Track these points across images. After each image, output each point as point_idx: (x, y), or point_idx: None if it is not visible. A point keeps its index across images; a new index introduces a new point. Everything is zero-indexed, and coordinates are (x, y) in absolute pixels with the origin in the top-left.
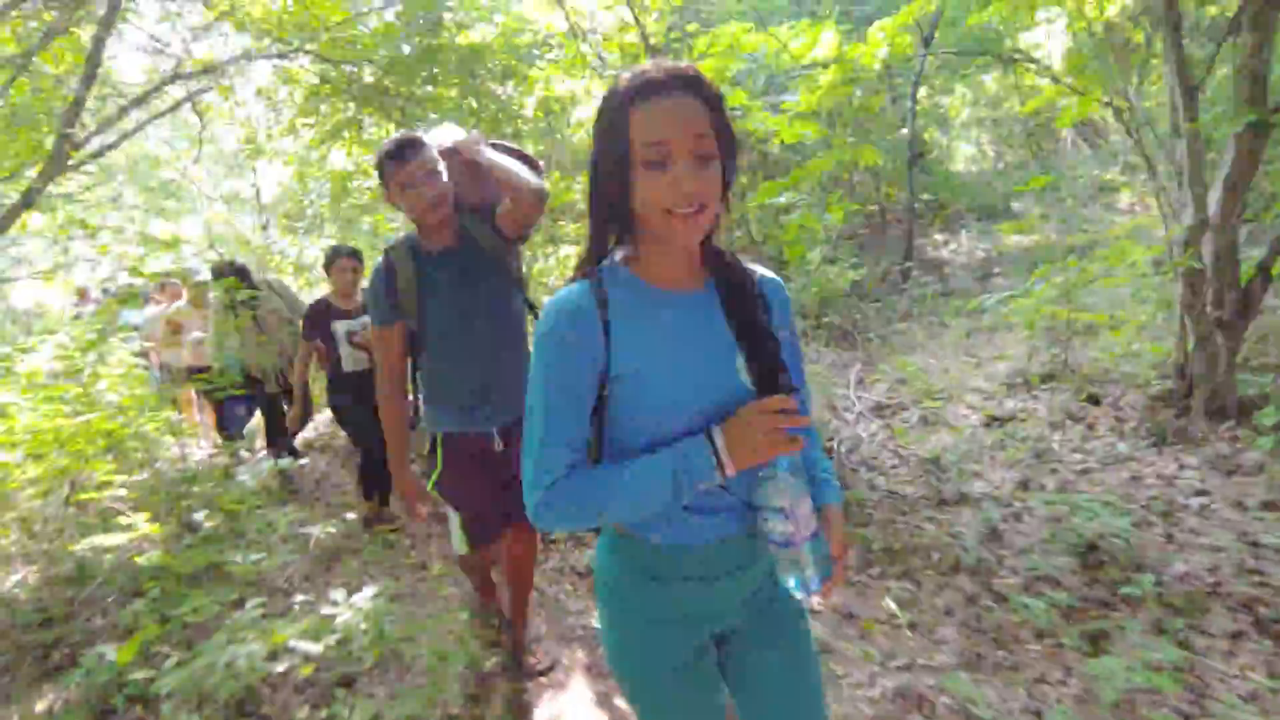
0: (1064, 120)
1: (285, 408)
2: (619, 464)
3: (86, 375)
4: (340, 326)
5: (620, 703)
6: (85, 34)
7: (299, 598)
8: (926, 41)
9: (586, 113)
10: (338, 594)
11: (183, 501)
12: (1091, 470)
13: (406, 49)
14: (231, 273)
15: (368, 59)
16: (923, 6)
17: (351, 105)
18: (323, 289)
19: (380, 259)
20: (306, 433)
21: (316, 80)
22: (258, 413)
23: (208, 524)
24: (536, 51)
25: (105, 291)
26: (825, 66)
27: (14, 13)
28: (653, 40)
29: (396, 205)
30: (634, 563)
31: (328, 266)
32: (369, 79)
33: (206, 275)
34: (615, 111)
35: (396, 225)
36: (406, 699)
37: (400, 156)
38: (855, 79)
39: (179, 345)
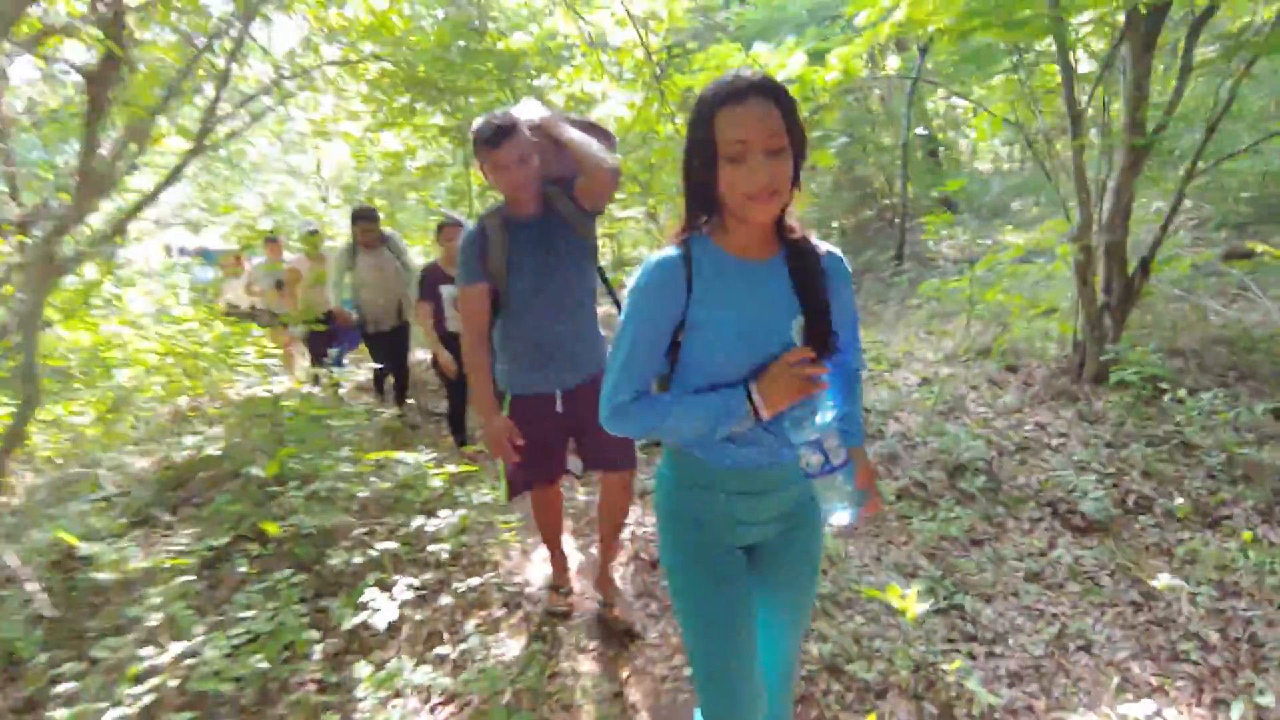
0: (981, 135)
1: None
2: (676, 397)
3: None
4: (446, 290)
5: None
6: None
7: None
8: (923, 51)
9: (603, 112)
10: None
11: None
12: (988, 419)
13: (456, 50)
14: (364, 215)
15: (422, 59)
16: (874, 38)
17: (407, 96)
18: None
19: (474, 224)
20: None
21: (377, 73)
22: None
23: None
24: (566, 54)
25: (181, 250)
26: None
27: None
28: (655, 56)
29: (489, 181)
30: (686, 474)
31: (438, 235)
32: (422, 74)
33: (317, 228)
34: (704, 114)
35: (440, 201)
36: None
37: (494, 143)
38: (810, 98)
39: (287, 295)
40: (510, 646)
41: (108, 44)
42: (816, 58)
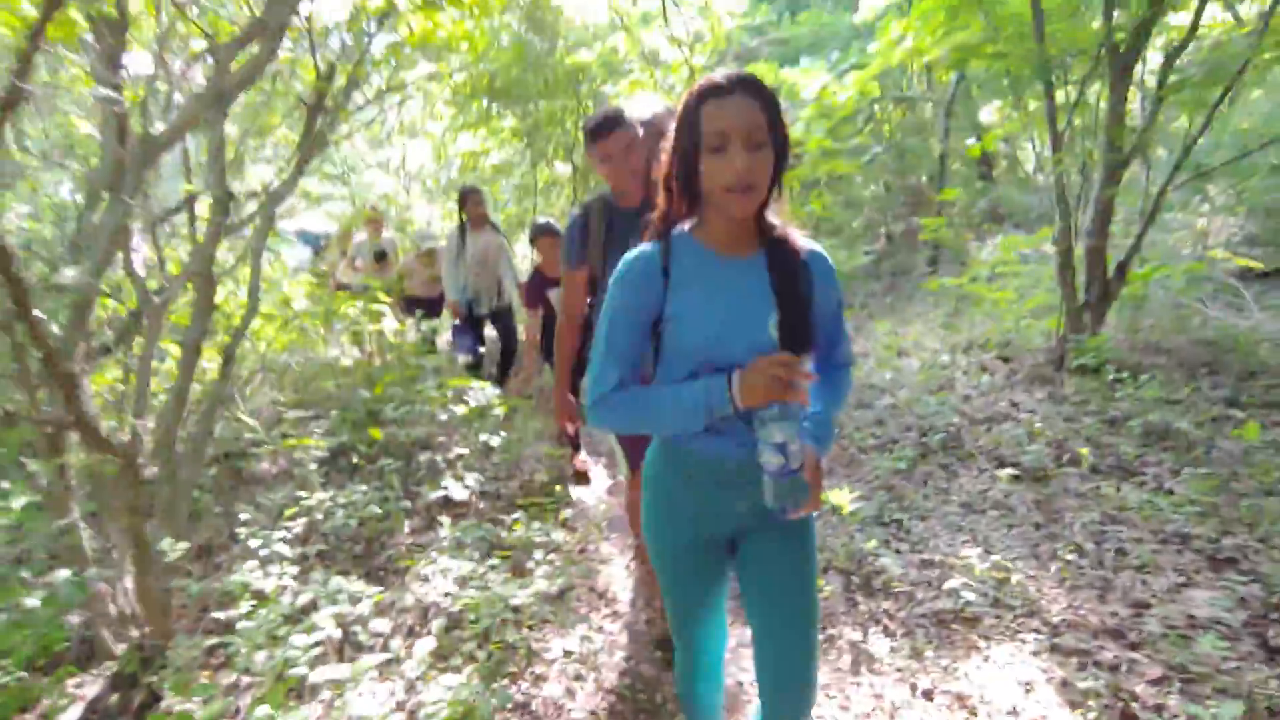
0: (974, 151)
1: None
2: (657, 388)
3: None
4: (554, 294)
5: None
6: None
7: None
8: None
9: None
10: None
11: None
12: (969, 396)
13: (529, 63)
14: (473, 190)
15: (500, 71)
16: (884, 63)
17: (484, 101)
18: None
19: (578, 211)
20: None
21: (459, 81)
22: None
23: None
24: (628, 66)
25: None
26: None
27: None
28: (697, 73)
29: (595, 169)
30: (672, 463)
31: (533, 241)
32: (499, 84)
33: (436, 245)
34: (690, 109)
35: (506, 195)
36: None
37: (601, 134)
38: (827, 115)
39: (388, 268)
40: (549, 527)
41: (319, 85)
42: (863, 69)
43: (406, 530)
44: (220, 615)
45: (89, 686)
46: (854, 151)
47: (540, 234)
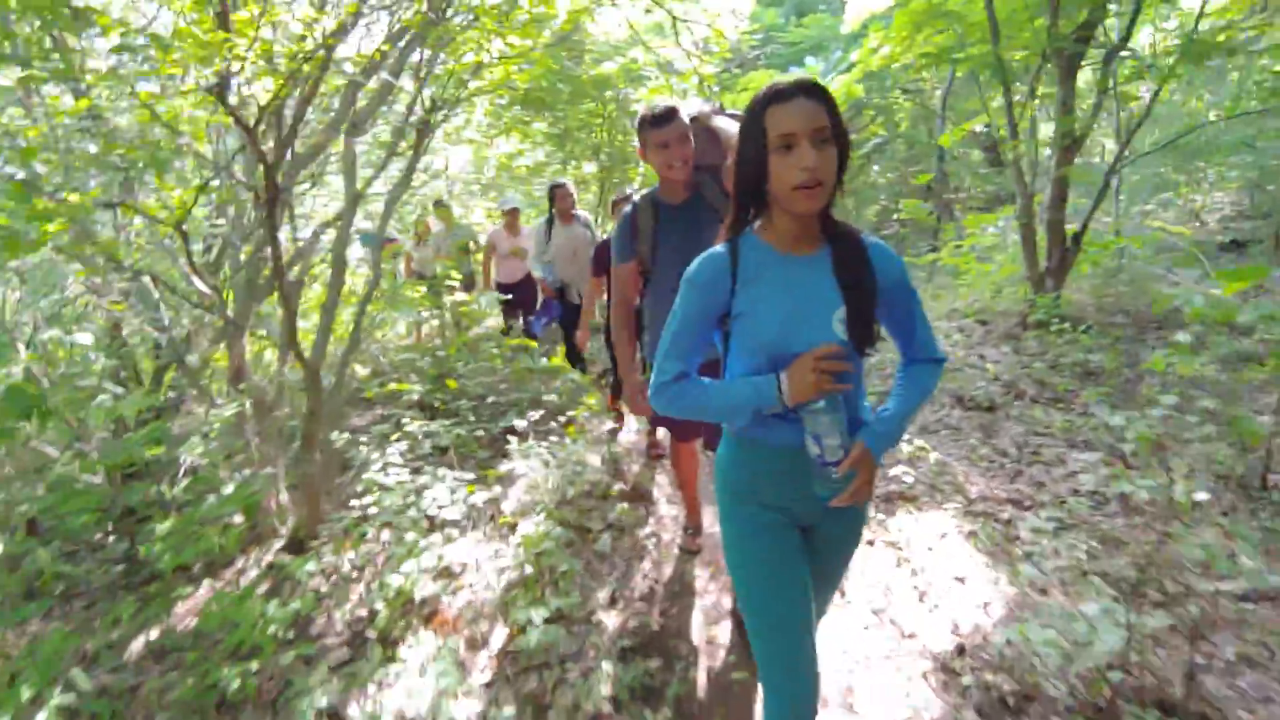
0: (944, 140)
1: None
2: (716, 383)
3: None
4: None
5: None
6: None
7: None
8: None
9: None
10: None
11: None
12: (945, 351)
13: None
14: (561, 185)
15: (532, 81)
16: (865, 68)
17: (517, 108)
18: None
19: (629, 207)
20: None
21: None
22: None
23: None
24: (647, 73)
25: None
26: None
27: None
28: (706, 81)
29: (648, 161)
30: (739, 452)
31: (614, 208)
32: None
33: (517, 204)
34: (755, 112)
35: (540, 194)
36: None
37: (658, 123)
38: None
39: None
40: (591, 450)
41: (428, 115)
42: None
43: (482, 452)
44: (355, 503)
45: (266, 554)
46: (859, 144)
47: (620, 202)
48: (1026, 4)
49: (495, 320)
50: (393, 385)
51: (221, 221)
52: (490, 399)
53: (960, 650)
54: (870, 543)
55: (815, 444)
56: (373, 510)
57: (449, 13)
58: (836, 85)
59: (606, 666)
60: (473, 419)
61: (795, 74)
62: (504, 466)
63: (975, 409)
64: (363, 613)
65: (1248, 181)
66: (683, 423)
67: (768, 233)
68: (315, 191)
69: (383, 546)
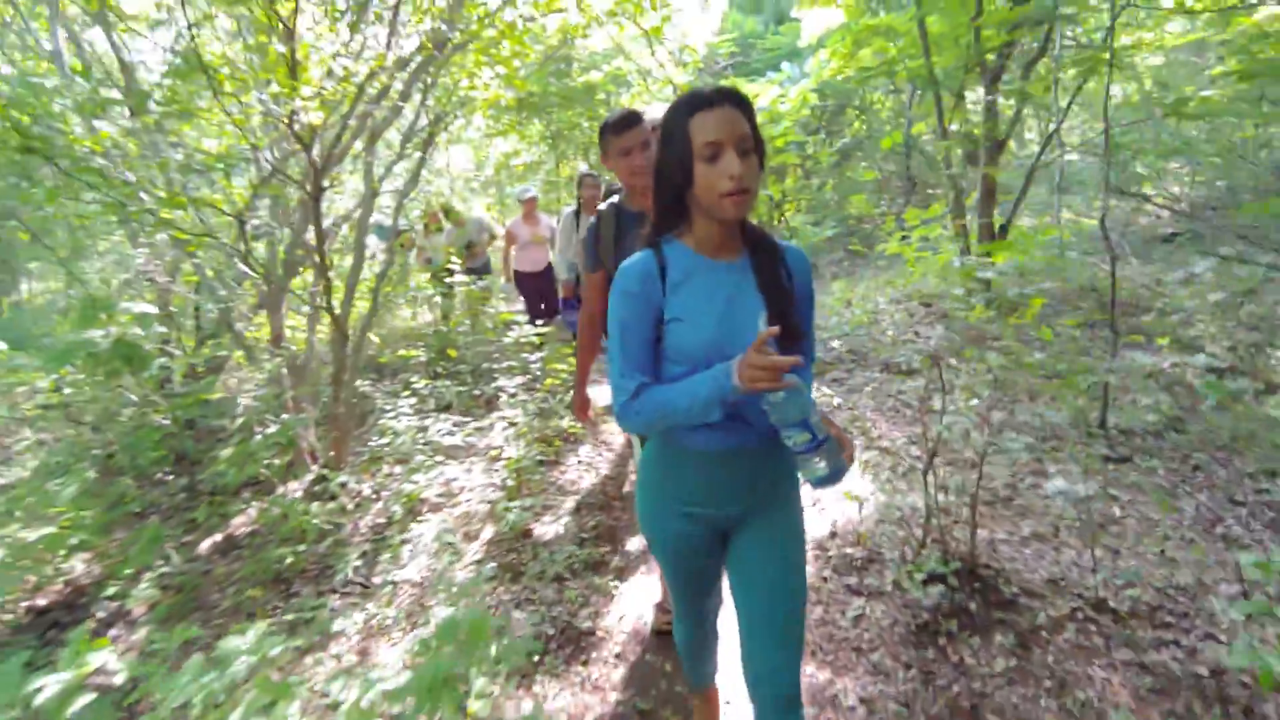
0: (885, 143)
1: None
2: (675, 384)
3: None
4: None
5: None
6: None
7: None
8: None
9: None
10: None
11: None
12: (887, 330)
13: (551, 80)
14: (590, 174)
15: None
16: (818, 79)
17: (514, 112)
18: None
19: (593, 217)
20: None
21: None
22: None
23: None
24: (631, 79)
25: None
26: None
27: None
28: (679, 89)
29: (610, 167)
30: (661, 454)
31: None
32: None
33: (535, 193)
34: (679, 120)
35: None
36: None
37: (619, 129)
38: (775, 120)
39: (478, 253)
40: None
41: (433, 128)
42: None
43: (477, 410)
44: (373, 443)
45: (301, 483)
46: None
47: (586, 177)
48: (954, 25)
49: (508, 306)
50: (402, 351)
51: (263, 213)
52: (485, 366)
53: (832, 534)
54: None
55: (800, 430)
56: (387, 449)
57: (447, 48)
58: (794, 93)
59: (569, 548)
60: (470, 381)
61: (767, 79)
62: (494, 415)
63: (898, 373)
64: (382, 520)
65: (1209, 177)
66: None
67: (690, 239)
68: (339, 189)
69: (395, 476)
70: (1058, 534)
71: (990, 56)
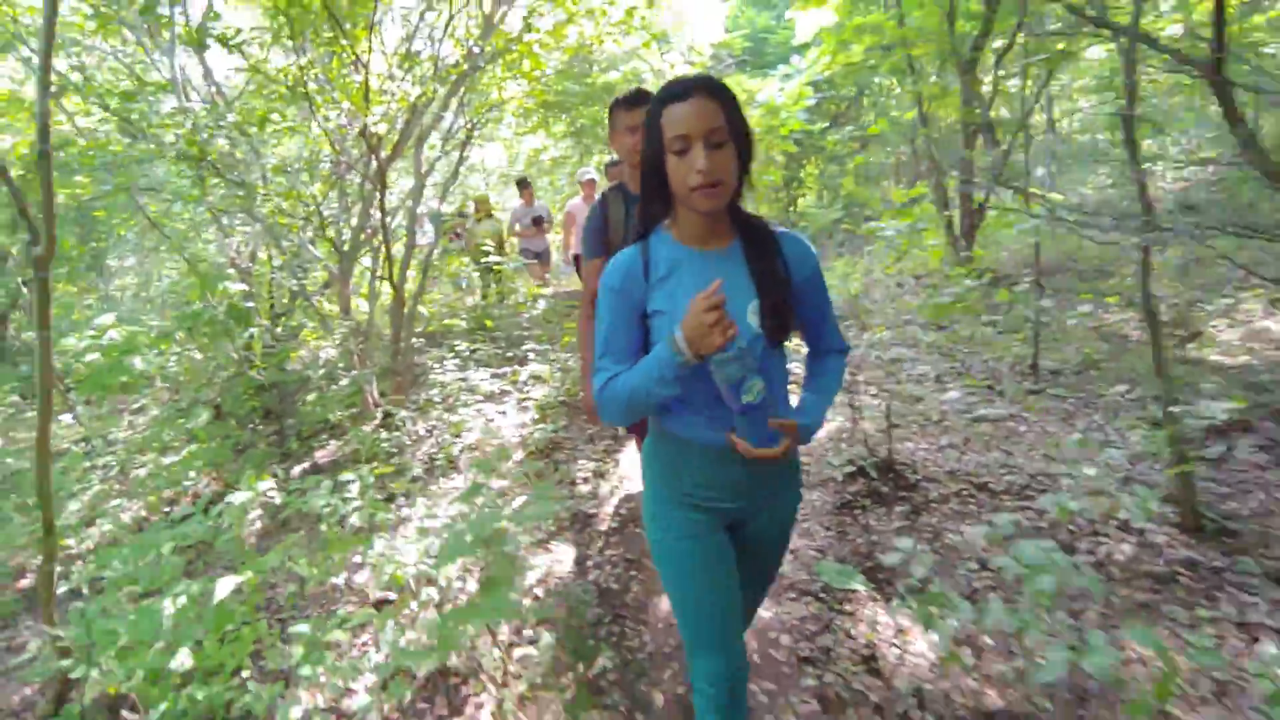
0: (874, 130)
1: None
2: (627, 372)
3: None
4: None
5: None
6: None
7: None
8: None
9: None
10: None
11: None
12: (877, 299)
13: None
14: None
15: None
16: (812, 74)
17: (540, 111)
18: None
19: (597, 201)
20: None
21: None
22: None
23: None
24: (644, 79)
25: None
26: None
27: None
28: None
29: (616, 147)
30: (661, 448)
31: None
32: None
33: (594, 175)
34: (654, 113)
35: (564, 183)
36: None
37: (630, 105)
38: (774, 112)
39: (543, 233)
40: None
41: (468, 132)
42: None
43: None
44: (424, 395)
45: (368, 425)
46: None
47: (614, 166)
48: (929, 15)
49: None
50: (447, 321)
51: (335, 205)
52: (516, 334)
53: None
54: None
55: (731, 393)
56: (437, 395)
57: (478, 66)
58: (790, 87)
59: (583, 461)
60: (504, 344)
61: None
62: (523, 371)
63: (874, 331)
64: (435, 451)
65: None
66: None
67: (676, 230)
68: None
69: (445, 422)
70: (967, 443)
71: (962, 48)
